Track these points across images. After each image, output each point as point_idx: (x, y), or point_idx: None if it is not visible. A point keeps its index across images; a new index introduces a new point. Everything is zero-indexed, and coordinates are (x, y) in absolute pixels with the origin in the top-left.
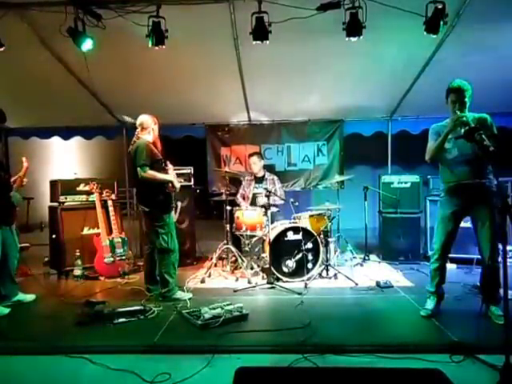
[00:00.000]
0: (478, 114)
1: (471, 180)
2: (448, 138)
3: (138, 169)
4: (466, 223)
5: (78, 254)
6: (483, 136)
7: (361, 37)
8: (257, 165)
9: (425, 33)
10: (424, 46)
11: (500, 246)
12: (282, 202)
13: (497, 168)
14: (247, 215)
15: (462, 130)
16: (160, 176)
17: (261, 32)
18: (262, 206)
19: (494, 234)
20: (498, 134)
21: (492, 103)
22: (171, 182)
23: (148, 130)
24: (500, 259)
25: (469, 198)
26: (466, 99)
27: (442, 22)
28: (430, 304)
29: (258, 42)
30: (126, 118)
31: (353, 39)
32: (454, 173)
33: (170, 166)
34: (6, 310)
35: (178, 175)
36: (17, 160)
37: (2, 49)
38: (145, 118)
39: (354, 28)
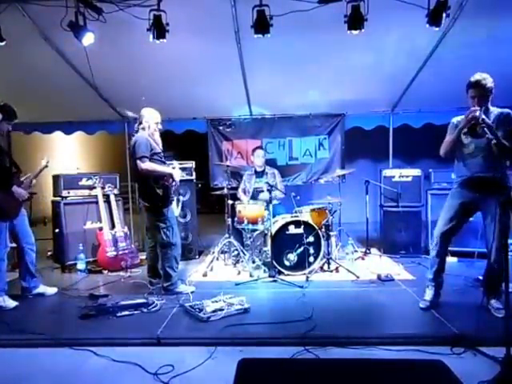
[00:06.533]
0: (501, 109)
1: (485, 173)
2: (465, 133)
3: (138, 161)
4: None
5: (81, 247)
6: (485, 129)
7: (362, 30)
8: (261, 158)
9: (427, 25)
10: (426, 39)
11: None
12: (283, 195)
13: (504, 161)
14: (249, 209)
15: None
16: (159, 168)
17: (262, 25)
18: (264, 201)
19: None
20: None
21: (495, 97)
22: (170, 174)
23: (142, 124)
24: None
25: (481, 192)
26: (487, 93)
27: (444, 15)
28: (429, 294)
29: (260, 35)
30: (128, 112)
31: (354, 32)
32: (467, 167)
33: (175, 164)
34: (13, 304)
35: (181, 170)
36: (19, 155)
37: (2, 43)
38: (142, 113)
39: (355, 21)
